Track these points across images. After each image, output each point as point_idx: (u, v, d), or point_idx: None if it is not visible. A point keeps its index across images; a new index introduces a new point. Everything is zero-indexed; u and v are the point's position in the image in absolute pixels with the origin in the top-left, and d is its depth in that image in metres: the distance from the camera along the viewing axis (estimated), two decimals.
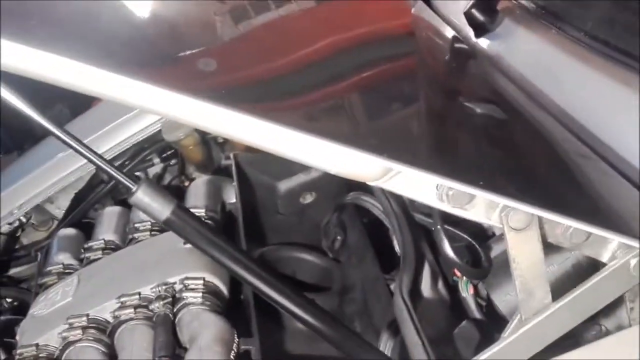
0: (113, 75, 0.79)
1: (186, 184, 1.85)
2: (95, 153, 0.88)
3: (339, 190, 1.61)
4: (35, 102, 0.84)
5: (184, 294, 1.29)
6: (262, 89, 1.02)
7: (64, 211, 1.86)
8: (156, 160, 1.92)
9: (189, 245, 1.36)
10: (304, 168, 1.69)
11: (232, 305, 1.35)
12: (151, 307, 1.30)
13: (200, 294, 1.29)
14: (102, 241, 1.58)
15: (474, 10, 1.39)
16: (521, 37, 1.35)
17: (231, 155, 1.74)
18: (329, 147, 0.82)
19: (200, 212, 1.53)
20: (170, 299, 1.30)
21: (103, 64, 0.80)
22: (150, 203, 0.88)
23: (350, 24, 1.36)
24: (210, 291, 1.31)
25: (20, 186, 1.78)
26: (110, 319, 1.31)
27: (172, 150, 1.92)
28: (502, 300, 1.13)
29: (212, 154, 1.92)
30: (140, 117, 1.81)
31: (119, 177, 0.89)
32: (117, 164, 1.78)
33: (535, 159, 1.05)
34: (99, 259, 1.54)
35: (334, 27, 1.34)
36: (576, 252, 1.05)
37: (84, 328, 1.29)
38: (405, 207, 1.29)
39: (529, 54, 1.30)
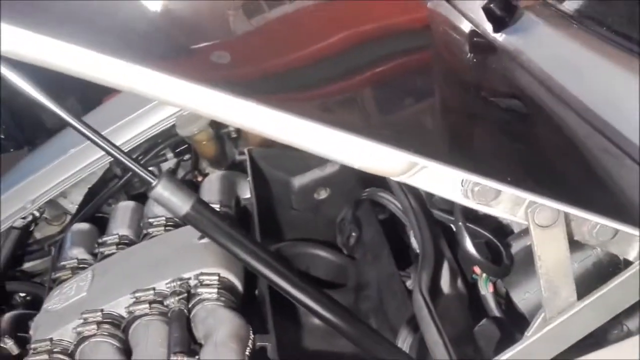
0: (131, 66, 0.78)
1: (199, 179, 1.84)
2: (115, 146, 0.87)
3: (354, 186, 1.60)
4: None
5: (199, 290, 1.29)
6: (281, 81, 1.00)
7: (77, 206, 1.86)
8: (169, 155, 1.91)
9: (203, 241, 1.36)
10: (318, 163, 1.68)
11: (247, 301, 1.34)
12: (166, 302, 1.29)
13: (216, 290, 1.28)
14: (117, 236, 1.58)
15: (492, 6, 1.38)
16: (541, 32, 1.33)
17: (245, 151, 1.73)
18: (354, 141, 0.81)
19: (214, 207, 1.52)
20: (185, 294, 1.29)
21: (120, 54, 0.79)
22: (170, 197, 0.87)
23: (365, 18, 1.35)
24: (225, 287, 1.30)
25: (33, 181, 1.78)
26: (125, 315, 1.31)
27: (186, 145, 1.91)
28: (521, 298, 1.12)
29: (225, 149, 1.91)
30: (153, 112, 1.80)
31: (139, 171, 0.88)
32: None
33: (559, 155, 1.03)
34: (113, 254, 1.53)
35: (350, 21, 1.32)
36: (597, 250, 1.03)
37: (98, 323, 1.29)
38: (423, 203, 1.27)
39: (549, 49, 1.28)
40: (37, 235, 1.87)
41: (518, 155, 1.01)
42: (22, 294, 1.71)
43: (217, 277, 1.30)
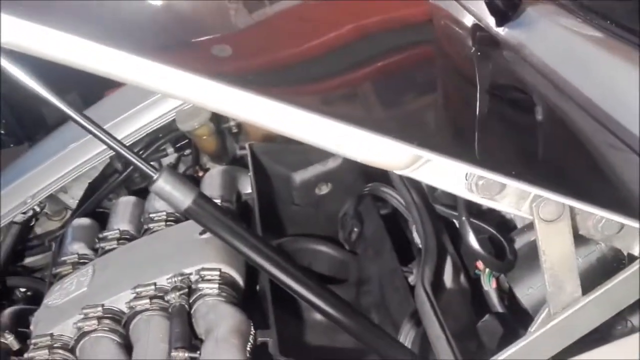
0: (134, 58, 0.77)
1: (200, 174, 1.83)
2: (116, 140, 0.86)
3: (355, 181, 1.60)
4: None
5: (200, 285, 1.28)
6: (283, 75, 1.00)
7: (77, 201, 1.85)
8: (170, 150, 1.91)
9: (205, 236, 1.35)
10: (319, 158, 1.67)
11: (248, 297, 1.34)
12: (167, 298, 1.29)
13: (217, 285, 1.27)
14: (117, 231, 1.57)
15: None
16: (544, 26, 1.32)
17: (246, 145, 1.72)
18: (357, 134, 0.80)
19: (215, 202, 1.51)
20: (186, 289, 1.29)
21: (122, 46, 0.78)
22: (172, 191, 0.87)
23: (368, 11, 1.34)
24: (226, 282, 1.29)
25: (33, 176, 1.77)
26: (126, 310, 1.30)
27: (187, 140, 1.90)
28: (524, 294, 1.11)
29: (226, 144, 1.90)
30: (153, 106, 1.79)
31: (140, 164, 0.87)
32: None
33: (563, 149, 1.03)
34: (114, 249, 1.53)
35: (353, 14, 1.31)
36: (601, 246, 1.03)
37: (99, 318, 1.28)
38: (426, 198, 1.27)
39: (552, 43, 1.27)
40: (38, 230, 1.86)
41: (522, 148, 1.00)
42: (23, 289, 1.70)
43: (218, 273, 1.29)
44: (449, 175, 0.84)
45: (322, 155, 1.65)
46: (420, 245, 1.24)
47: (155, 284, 1.30)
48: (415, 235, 1.33)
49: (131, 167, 1.80)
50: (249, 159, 1.67)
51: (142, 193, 1.76)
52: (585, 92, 1.11)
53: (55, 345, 1.29)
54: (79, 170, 1.76)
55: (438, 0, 1.58)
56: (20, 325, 1.45)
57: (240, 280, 1.33)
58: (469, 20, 1.46)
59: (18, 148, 3.45)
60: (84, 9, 0.89)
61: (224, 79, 0.80)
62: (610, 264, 1.02)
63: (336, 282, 1.47)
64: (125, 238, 1.56)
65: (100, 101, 2.02)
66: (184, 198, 0.87)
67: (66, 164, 1.76)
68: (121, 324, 1.30)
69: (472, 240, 1.08)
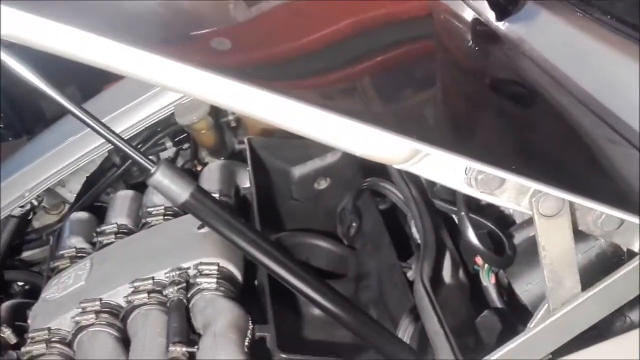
0: (133, 50, 0.77)
1: (199, 168, 1.83)
2: (114, 133, 0.86)
3: (354, 176, 1.59)
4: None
5: (198, 280, 1.28)
6: (283, 68, 0.99)
7: (75, 194, 1.85)
8: (168, 144, 1.90)
9: (203, 231, 1.35)
10: (318, 153, 1.66)
11: (246, 291, 1.33)
12: (165, 292, 1.28)
13: (215, 280, 1.27)
14: (115, 225, 1.57)
15: None
16: (544, 20, 1.32)
17: (245, 140, 1.71)
18: (356, 128, 0.80)
19: (213, 196, 1.51)
20: (184, 284, 1.29)
21: (121, 38, 0.78)
22: (170, 185, 0.86)
23: (368, 6, 1.33)
24: (224, 277, 1.29)
25: (31, 169, 1.77)
26: (124, 304, 1.30)
27: (185, 134, 1.89)
28: (523, 289, 1.11)
29: (225, 139, 1.89)
30: (152, 100, 1.78)
31: (137, 157, 0.86)
32: None
33: (563, 144, 1.02)
34: (112, 243, 1.52)
35: (352, 8, 1.31)
36: (600, 242, 1.02)
37: (96, 312, 1.28)
38: (424, 193, 1.26)
39: (553, 38, 1.27)
40: (36, 224, 1.86)
41: (521, 143, 1.00)
42: (21, 283, 1.70)
43: (216, 267, 1.29)
44: (448, 169, 0.84)
45: (321, 149, 1.64)
46: (419, 241, 1.24)
47: (153, 278, 1.30)
48: (414, 230, 1.32)
49: (129, 161, 1.80)
50: (248, 153, 1.66)
51: (140, 187, 1.75)
52: (585, 87, 1.11)
53: (52, 339, 1.29)
54: (77, 164, 1.75)
55: None
56: (18, 319, 1.45)
57: (238, 274, 1.32)
58: (468, 15, 1.45)
59: (17, 141, 3.44)
60: (84, 2, 0.89)
61: (223, 71, 0.79)
62: (610, 260, 1.02)
63: (335, 277, 1.46)
64: (123, 232, 1.56)
65: (99, 95, 2.01)
66: (181, 191, 0.87)
67: (64, 157, 1.75)
68: (119, 318, 1.30)
69: (472, 236, 1.08)
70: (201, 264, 1.30)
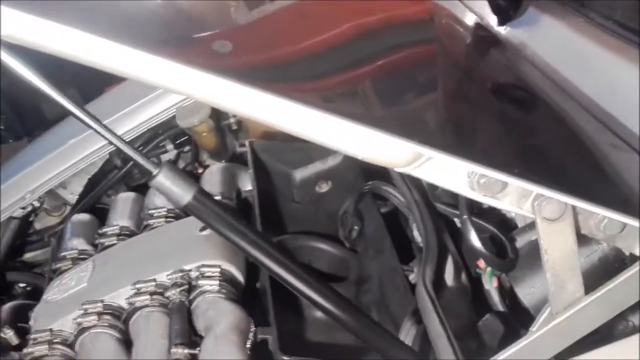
0: (135, 52, 0.77)
1: (200, 171, 1.83)
2: (116, 135, 0.86)
3: (356, 179, 1.59)
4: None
5: (200, 282, 1.28)
6: (284, 72, 0.99)
7: (77, 196, 1.85)
8: (170, 146, 1.90)
9: (205, 233, 1.35)
10: (320, 156, 1.66)
11: (248, 294, 1.33)
12: (167, 294, 1.29)
13: (217, 282, 1.27)
14: (117, 227, 1.57)
15: None
16: (547, 25, 1.32)
17: (246, 143, 1.72)
18: (358, 131, 0.80)
19: (216, 198, 1.51)
20: (186, 286, 1.29)
21: (123, 40, 0.78)
22: (172, 187, 0.86)
23: (369, 9, 1.33)
24: (226, 279, 1.29)
25: (33, 171, 1.77)
26: (126, 306, 1.30)
27: (186, 137, 1.89)
28: (526, 293, 1.11)
29: (226, 141, 1.89)
30: (153, 103, 1.79)
31: (140, 160, 0.86)
32: None
33: (565, 148, 1.02)
34: (114, 244, 1.52)
35: (354, 12, 1.31)
36: (603, 245, 1.02)
37: (98, 314, 1.28)
38: (426, 196, 1.26)
39: (555, 43, 1.27)
40: (37, 225, 1.86)
41: (524, 147, 1.00)
42: (22, 285, 1.70)
43: (218, 269, 1.29)
44: (450, 173, 0.84)
45: (323, 152, 1.64)
46: (420, 244, 1.24)
47: (155, 280, 1.30)
48: (415, 233, 1.33)
49: (131, 163, 1.80)
50: (249, 156, 1.66)
51: (141, 189, 1.75)
52: (587, 91, 1.11)
53: (54, 340, 1.29)
54: (78, 165, 1.76)
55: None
56: (20, 321, 1.45)
57: (240, 277, 1.33)
58: (470, 19, 1.46)
59: (17, 143, 3.44)
60: (86, 3, 0.89)
61: (225, 73, 0.79)
62: (612, 264, 1.02)
63: (336, 280, 1.46)
64: (125, 234, 1.56)
65: (100, 97, 2.01)
66: (184, 193, 0.87)
67: (65, 159, 1.76)
68: (121, 320, 1.30)
69: (474, 239, 1.08)
70: (203, 266, 1.30)
